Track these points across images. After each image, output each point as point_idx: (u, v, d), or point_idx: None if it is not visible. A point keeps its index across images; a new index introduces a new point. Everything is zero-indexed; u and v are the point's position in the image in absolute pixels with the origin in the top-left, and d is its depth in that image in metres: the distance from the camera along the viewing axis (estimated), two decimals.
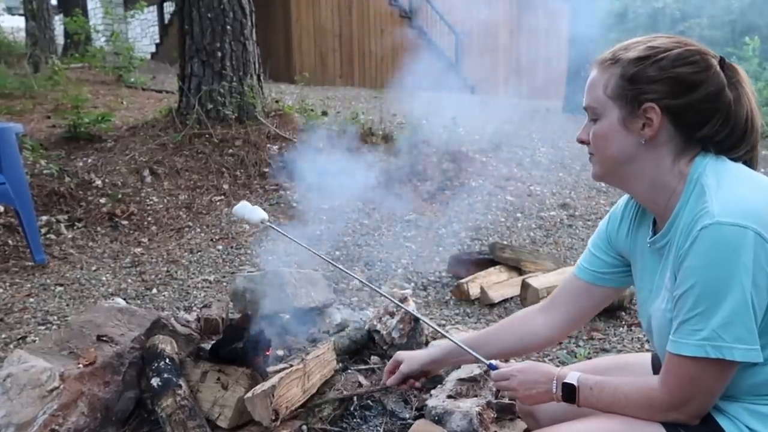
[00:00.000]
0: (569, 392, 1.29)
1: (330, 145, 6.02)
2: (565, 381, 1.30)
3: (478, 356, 1.53)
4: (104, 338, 2.08)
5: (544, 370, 1.36)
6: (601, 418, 1.27)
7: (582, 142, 1.31)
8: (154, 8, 14.75)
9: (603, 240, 1.47)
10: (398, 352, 1.70)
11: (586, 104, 1.28)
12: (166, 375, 2.00)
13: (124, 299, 3.22)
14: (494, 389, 2.17)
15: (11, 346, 2.88)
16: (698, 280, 1.10)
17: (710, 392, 1.16)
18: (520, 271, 3.75)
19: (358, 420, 2.05)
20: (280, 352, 2.31)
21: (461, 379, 2.14)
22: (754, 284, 1.08)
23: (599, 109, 1.26)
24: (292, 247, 4.34)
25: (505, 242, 4.33)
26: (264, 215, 1.95)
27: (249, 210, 1.96)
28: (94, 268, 4.00)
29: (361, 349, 2.47)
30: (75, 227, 4.54)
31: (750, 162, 1.25)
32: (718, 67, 1.20)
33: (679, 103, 1.19)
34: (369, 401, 2.11)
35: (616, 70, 1.23)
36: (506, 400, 2.13)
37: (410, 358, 1.64)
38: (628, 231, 1.41)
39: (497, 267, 3.75)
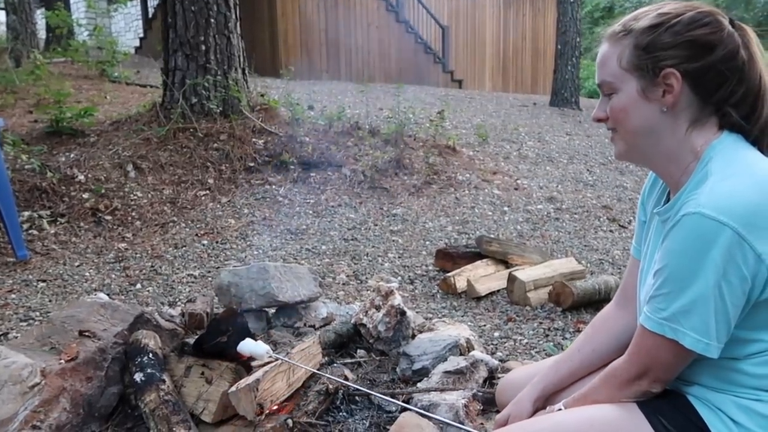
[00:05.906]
0: None
1: (316, 139, 6.00)
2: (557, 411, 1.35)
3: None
4: (86, 333, 2.06)
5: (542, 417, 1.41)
6: (581, 407, 1.30)
7: (599, 120, 1.29)
8: (137, 2, 14.62)
9: (641, 206, 1.45)
10: (503, 413, 1.52)
11: (600, 80, 1.26)
12: (149, 370, 1.98)
13: (108, 295, 3.19)
14: (480, 381, 2.17)
15: None
16: (670, 263, 1.13)
17: (669, 367, 1.19)
18: (506, 265, 3.75)
19: (344, 413, 2.03)
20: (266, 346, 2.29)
21: (447, 372, 2.14)
22: (726, 281, 1.08)
23: (615, 82, 1.24)
24: (277, 242, 4.33)
25: (491, 235, 4.33)
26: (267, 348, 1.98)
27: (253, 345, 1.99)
28: (77, 263, 3.96)
29: (347, 342, 2.47)
30: (57, 223, 4.49)
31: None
32: (730, 27, 1.20)
33: (698, 66, 1.18)
34: (355, 395, 2.10)
35: (629, 41, 1.22)
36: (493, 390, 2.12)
37: (518, 409, 1.48)
38: (650, 195, 1.41)
39: (484, 260, 3.75)
